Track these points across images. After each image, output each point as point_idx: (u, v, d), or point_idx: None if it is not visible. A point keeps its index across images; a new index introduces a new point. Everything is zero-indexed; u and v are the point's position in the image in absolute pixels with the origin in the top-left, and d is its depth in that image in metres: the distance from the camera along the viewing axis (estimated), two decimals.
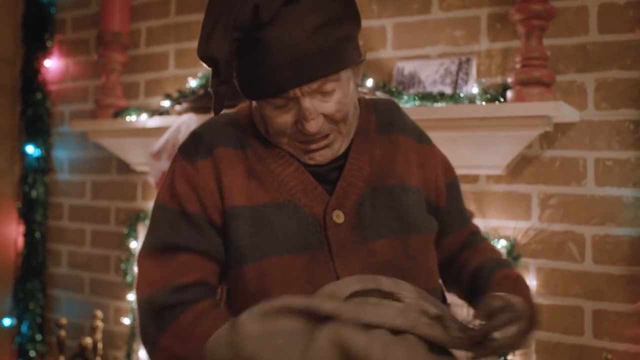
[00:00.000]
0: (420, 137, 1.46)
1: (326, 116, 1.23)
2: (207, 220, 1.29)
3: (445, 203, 1.46)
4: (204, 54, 1.19)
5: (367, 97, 1.50)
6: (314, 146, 1.27)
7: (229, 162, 1.30)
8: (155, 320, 1.24)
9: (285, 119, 1.24)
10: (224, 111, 1.30)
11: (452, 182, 1.50)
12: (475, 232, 1.57)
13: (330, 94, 1.22)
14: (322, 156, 1.29)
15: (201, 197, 1.29)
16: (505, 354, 1.22)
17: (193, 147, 1.34)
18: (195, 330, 1.19)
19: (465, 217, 1.56)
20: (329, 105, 1.23)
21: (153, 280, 1.26)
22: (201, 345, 1.14)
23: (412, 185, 1.37)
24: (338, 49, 1.20)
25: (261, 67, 1.19)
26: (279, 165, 1.30)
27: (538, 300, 2.31)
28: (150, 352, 1.26)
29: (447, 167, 1.51)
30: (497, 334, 1.14)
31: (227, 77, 1.20)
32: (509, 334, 1.15)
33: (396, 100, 2.42)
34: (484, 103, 2.30)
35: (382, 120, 1.42)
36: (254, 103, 1.31)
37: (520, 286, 1.35)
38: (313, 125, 1.22)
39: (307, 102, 1.21)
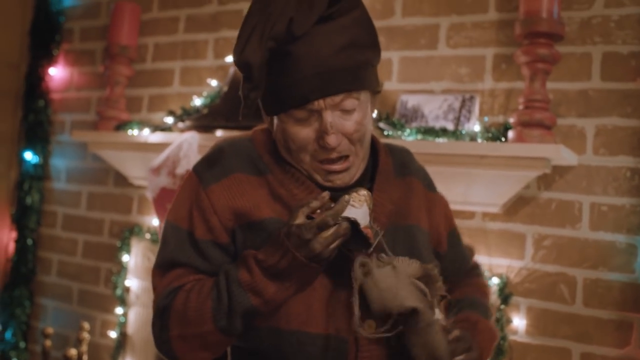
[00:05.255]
0: (429, 185, 1.53)
1: (345, 136, 1.29)
2: (212, 243, 1.33)
3: (446, 251, 1.52)
4: (240, 59, 1.25)
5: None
6: (336, 167, 1.32)
7: (249, 186, 1.34)
8: (160, 321, 1.33)
9: (307, 133, 1.29)
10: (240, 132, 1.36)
11: (452, 232, 1.57)
12: (474, 268, 1.64)
13: (350, 112, 1.29)
14: (341, 180, 1.34)
15: (209, 221, 1.33)
16: None
17: (209, 169, 1.37)
18: (189, 304, 1.27)
19: (464, 263, 1.61)
20: (349, 124, 1.29)
21: (158, 292, 1.35)
22: (199, 313, 1.25)
23: (423, 227, 1.44)
24: (359, 70, 1.28)
25: (288, 78, 1.26)
26: (301, 191, 1.34)
27: (527, 340, 2.34)
28: (169, 352, 1.33)
29: (449, 217, 1.58)
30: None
31: (258, 83, 1.25)
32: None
33: (398, 132, 2.46)
34: (485, 141, 2.33)
35: (398, 162, 1.48)
36: (275, 122, 1.35)
37: (476, 332, 1.40)
38: (333, 139, 1.27)
39: (329, 116, 1.27)
